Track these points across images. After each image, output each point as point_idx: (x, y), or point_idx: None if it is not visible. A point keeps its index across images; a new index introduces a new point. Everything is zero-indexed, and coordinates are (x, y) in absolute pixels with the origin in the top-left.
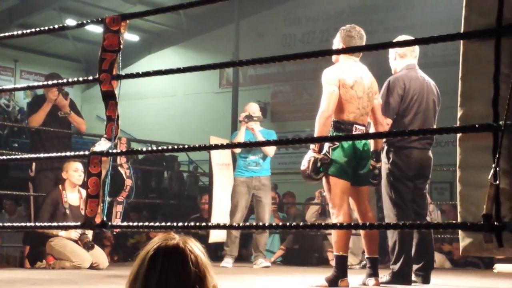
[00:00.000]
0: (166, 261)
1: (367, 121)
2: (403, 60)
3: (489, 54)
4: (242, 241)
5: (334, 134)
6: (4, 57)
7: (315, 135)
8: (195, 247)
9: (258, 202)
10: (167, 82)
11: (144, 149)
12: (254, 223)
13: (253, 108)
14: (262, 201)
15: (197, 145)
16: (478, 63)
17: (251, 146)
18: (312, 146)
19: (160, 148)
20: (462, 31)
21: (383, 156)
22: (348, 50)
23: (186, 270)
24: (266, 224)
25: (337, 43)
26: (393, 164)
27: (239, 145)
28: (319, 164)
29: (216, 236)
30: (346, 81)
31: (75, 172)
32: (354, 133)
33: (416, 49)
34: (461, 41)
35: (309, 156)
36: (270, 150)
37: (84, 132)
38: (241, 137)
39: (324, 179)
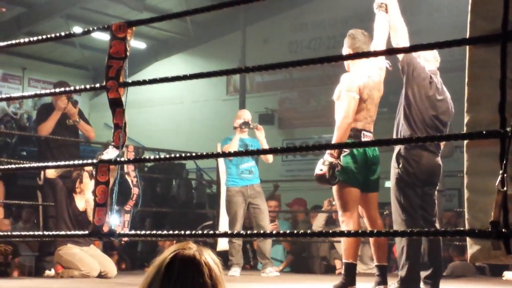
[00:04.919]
0: (182, 271)
1: (372, 128)
2: None
3: (495, 59)
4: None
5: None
6: (12, 65)
7: (334, 139)
8: (210, 259)
9: (257, 209)
10: (174, 89)
11: (152, 157)
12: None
13: (248, 115)
14: (260, 208)
15: (204, 153)
16: (484, 69)
17: (258, 154)
18: (329, 150)
19: (167, 156)
20: (467, 36)
21: (393, 160)
22: (355, 56)
23: (200, 281)
24: (268, 231)
25: (345, 48)
26: (402, 169)
27: (246, 153)
28: (337, 169)
29: (224, 244)
30: (363, 93)
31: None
32: (362, 139)
33: (421, 54)
34: (467, 47)
35: (327, 161)
36: (271, 158)
37: (93, 140)
38: (235, 144)
39: (334, 186)
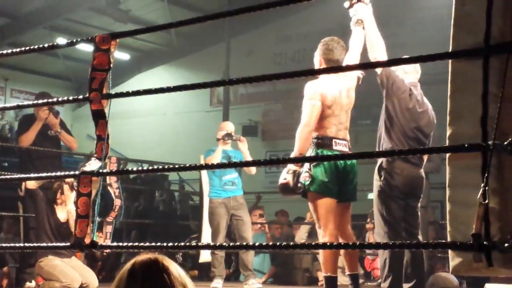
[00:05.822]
0: (146, 272)
1: (347, 136)
2: None
3: (478, 73)
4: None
5: (314, 150)
6: None
7: (296, 148)
8: (171, 262)
9: (239, 221)
10: (158, 100)
11: (135, 168)
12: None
13: (231, 127)
14: (243, 220)
15: (187, 165)
16: (466, 82)
17: (241, 166)
18: None
19: (150, 168)
20: (450, 50)
21: (375, 173)
22: (335, 69)
23: (166, 280)
24: (250, 242)
25: (317, 56)
26: (384, 181)
27: (229, 164)
28: (301, 178)
29: (207, 256)
30: (326, 99)
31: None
32: (334, 147)
33: (400, 66)
34: (450, 60)
35: (291, 170)
36: (254, 170)
37: (75, 150)
38: (218, 156)
39: (308, 197)
